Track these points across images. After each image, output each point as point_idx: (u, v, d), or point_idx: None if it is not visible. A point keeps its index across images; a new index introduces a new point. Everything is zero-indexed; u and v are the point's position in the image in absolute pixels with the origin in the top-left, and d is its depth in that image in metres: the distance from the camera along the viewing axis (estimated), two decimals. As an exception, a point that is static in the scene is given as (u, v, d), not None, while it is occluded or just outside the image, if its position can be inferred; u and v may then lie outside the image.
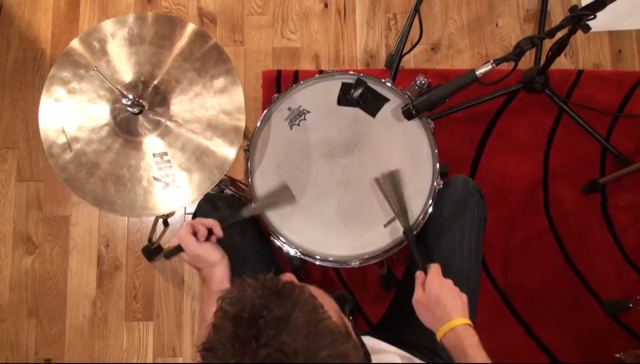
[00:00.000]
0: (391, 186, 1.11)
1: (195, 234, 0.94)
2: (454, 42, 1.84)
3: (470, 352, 0.85)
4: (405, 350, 0.99)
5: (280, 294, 0.60)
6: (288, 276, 0.70)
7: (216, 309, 0.60)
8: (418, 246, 1.05)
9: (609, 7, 1.19)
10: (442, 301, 0.91)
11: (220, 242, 0.98)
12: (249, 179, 1.18)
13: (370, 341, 0.99)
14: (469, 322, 0.90)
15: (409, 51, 1.66)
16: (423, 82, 1.19)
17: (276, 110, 1.22)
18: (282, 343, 0.54)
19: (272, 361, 0.53)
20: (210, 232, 0.96)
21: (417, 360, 0.95)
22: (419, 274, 0.98)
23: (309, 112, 1.21)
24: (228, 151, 1.11)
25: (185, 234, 0.94)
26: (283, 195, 1.11)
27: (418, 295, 0.95)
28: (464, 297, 0.94)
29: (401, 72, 1.76)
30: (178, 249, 0.95)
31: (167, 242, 1.72)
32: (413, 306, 0.96)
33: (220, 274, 0.95)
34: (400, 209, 1.08)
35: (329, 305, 0.66)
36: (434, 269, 0.97)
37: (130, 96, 1.10)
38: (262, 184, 1.17)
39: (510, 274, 1.66)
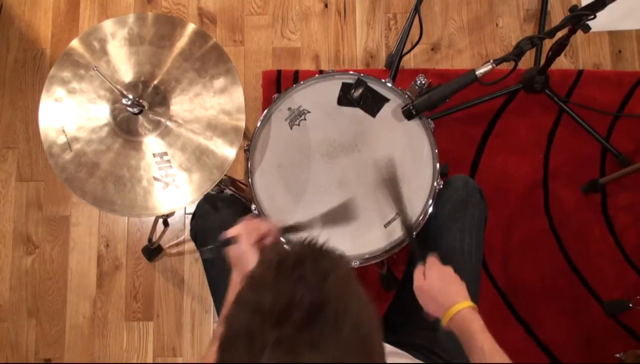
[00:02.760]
0: (390, 181, 1.11)
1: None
2: (454, 42, 1.84)
3: (479, 335, 0.86)
4: (404, 351, 0.99)
5: (322, 252, 0.61)
6: None
7: (258, 260, 0.61)
8: (417, 239, 1.06)
9: (609, 7, 1.19)
10: (444, 288, 0.92)
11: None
12: (249, 179, 1.18)
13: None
14: (474, 305, 0.91)
15: (409, 51, 1.66)
16: (423, 82, 1.19)
17: (276, 110, 1.22)
18: (322, 286, 0.56)
19: (308, 299, 0.54)
20: (262, 237, 0.96)
21: (414, 360, 0.95)
22: (419, 266, 0.99)
23: (309, 112, 1.21)
24: (228, 151, 1.11)
25: (244, 228, 0.93)
26: (344, 213, 1.10)
27: (419, 282, 0.96)
28: (464, 284, 0.95)
29: (401, 72, 1.76)
30: (231, 240, 0.93)
31: (168, 242, 1.72)
32: (415, 294, 0.96)
33: None
34: (398, 201, 1.09)
35: None
36: (432, 258, 0.98)
37: (130, 96, 1.10)
38: (262, 184, 1.17)
39: (510, 274, 1.66)
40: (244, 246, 0.92)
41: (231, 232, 0.93)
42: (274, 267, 0.57)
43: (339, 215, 1.10)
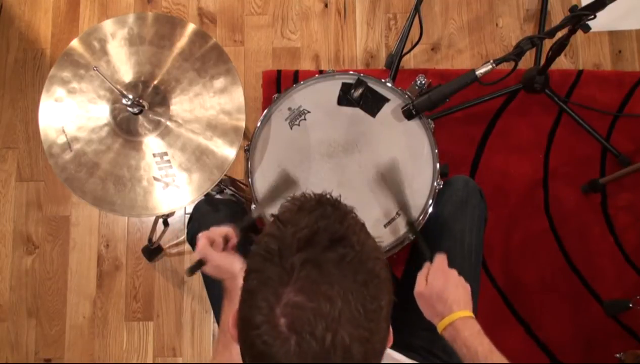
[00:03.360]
0: (392, 179, 1.11)
1: (211, 244, 0.93)
2: (454, 42, 1.84)
3: (471, 341, 0.85)
4: (402, 353, 0.99)
5: (338, 201, 0.64)
6: None
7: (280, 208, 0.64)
8: (421, 234, 1.05)
9: (609, 7, 1.19)
10: (443, 295, 0.90)
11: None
12: (249, 179, 1.18)
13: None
14: (470, 314, 0.89)
15: (409, 51, 1.66)
16: (423, 82, 1.19)
17: (276, 110, 1.22)
18: (342, 222, 0.60)
19: (331, 230, 0.58)
20: (226, 240, 0.95)
21: (409, 360, 0.95)
22: (427, 265, 0.97)
23: (309, 112, 1.21)
24: (228, 151, 1.11)
25: (203, 246, 0.92)
26: (284, 182, 1.10)
27: (420, 288, 0.94)
28: (468, 287, 0.93)
29: (401, 72, 1.76)
30: (200, 263, 0.93)
31: (168, 242, 1.72)
32: (415, 297, 0.95)
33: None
34: (402, 200, 1.08)
35: None
36: (439, 259, 0.96)
37: (130, 96, 1.10)
38: (262, 184, 1.18)
39: (510, 274, 1.66)
40: (214, 260, 0.92)
41: (195, 255, 0.94)
42: (297, 208, 0.61)
43: (280, 188, 1.09)
